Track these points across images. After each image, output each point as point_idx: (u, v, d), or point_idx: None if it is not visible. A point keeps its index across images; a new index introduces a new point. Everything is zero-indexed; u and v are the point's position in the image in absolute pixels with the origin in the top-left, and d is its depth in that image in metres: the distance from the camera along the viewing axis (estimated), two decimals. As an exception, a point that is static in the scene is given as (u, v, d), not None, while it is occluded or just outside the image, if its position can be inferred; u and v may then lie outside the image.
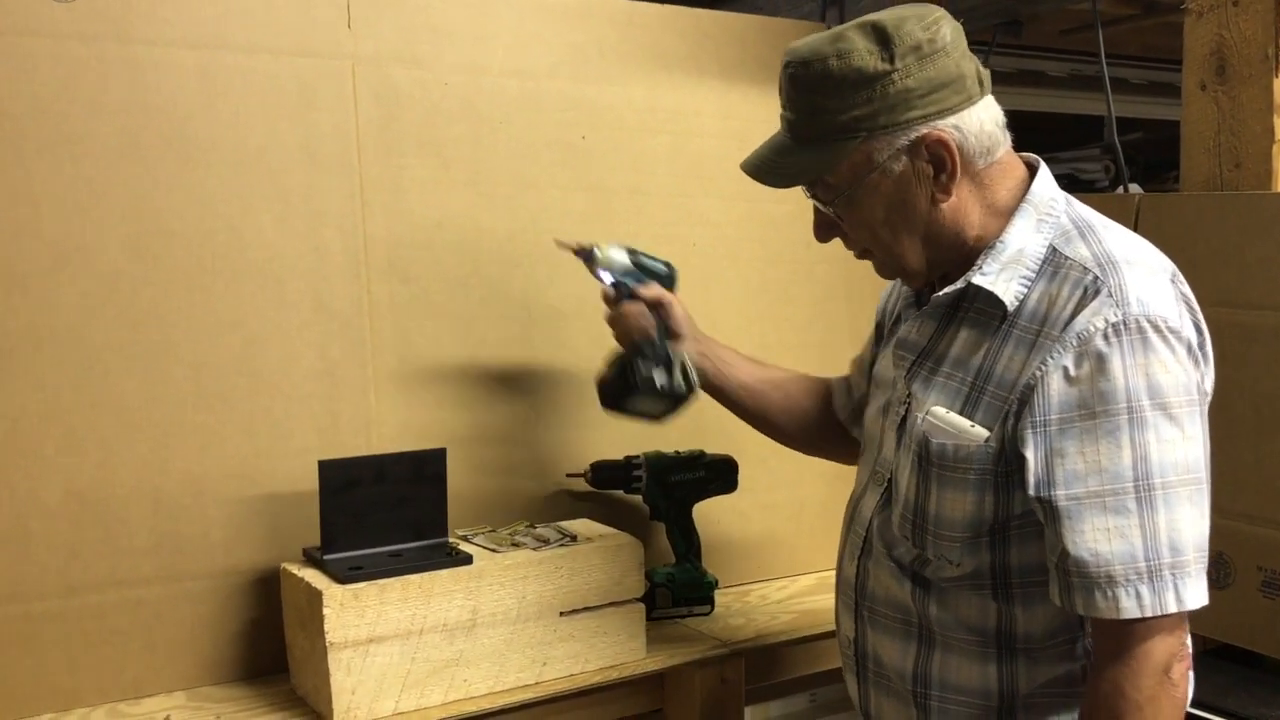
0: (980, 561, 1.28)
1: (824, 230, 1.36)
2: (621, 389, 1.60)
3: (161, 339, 1.59)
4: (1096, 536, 1.16)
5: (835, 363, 1.95)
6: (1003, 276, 1.25)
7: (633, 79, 1.94)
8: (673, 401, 1.61)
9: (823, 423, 1.68)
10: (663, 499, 1.82)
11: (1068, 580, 1.18)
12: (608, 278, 1.62)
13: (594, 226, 1.91)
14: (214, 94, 1.61)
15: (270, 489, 1.66)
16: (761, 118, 2.04)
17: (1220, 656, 1.83)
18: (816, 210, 1.34)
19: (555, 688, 1.62)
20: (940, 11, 1.24)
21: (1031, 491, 1.19)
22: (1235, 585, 1.76)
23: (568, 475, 1.84)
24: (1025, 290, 1.24)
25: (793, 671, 1.86)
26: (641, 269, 1.64)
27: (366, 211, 1.72)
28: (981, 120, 1.24)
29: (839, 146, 1.24)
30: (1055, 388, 1.18)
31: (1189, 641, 1.22)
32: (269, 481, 1.66)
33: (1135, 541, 1.15)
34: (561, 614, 1.63)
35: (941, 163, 1.23)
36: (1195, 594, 1.16)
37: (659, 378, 1.58)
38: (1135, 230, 1.85)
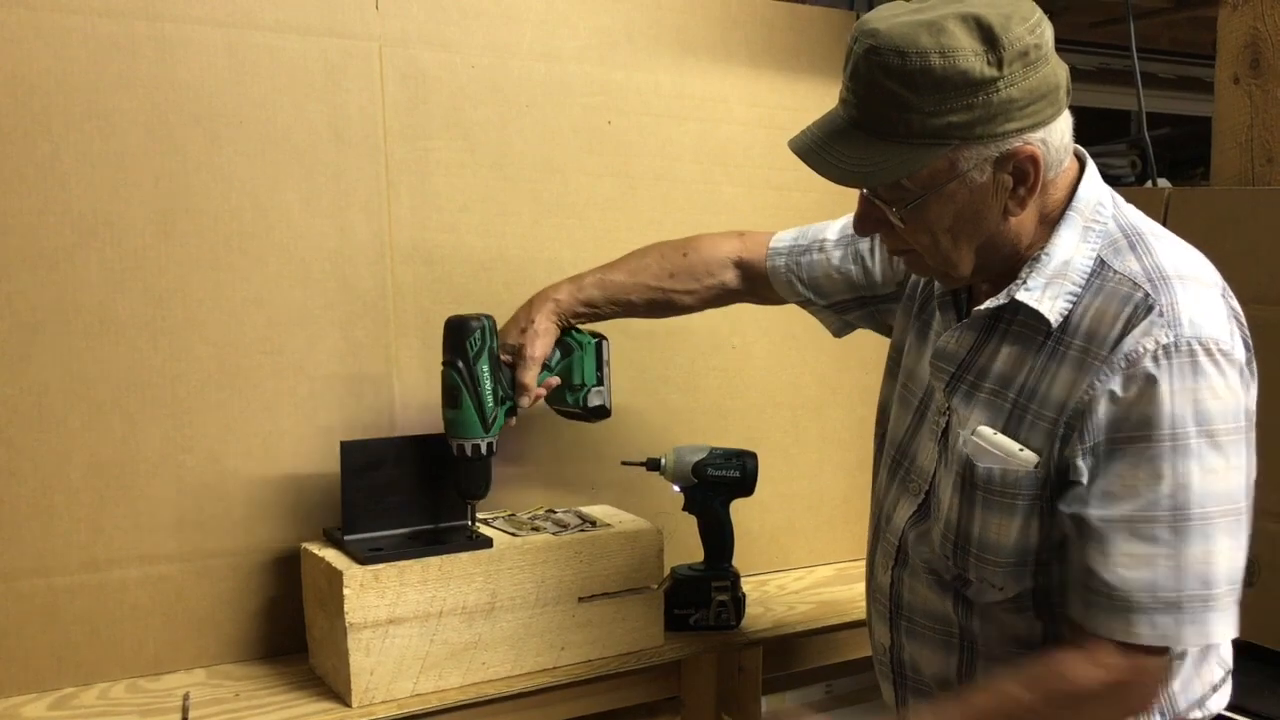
0: (1024, 587, 1.24)
1: (870, 224, 1.24)
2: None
3: (186, 316, 1.59)
4: (1123, 561, 1.12)
5: (857, 351, 1.94)
6: (1048, 293, 1.19)
7: (660, 64, 1.93)
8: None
9: (732, 298, 1.67)
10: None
11: (1088, 598, 1.15)
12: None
13: (619, 212, 1.91)
14: (241, 72, 1.61)
15: (292, 468, 1.67)
16: (789, 105, 2.03)
17: (1248, 657, 1.81)
18: (866, 202, 1.23)
19: (573, 673, 1.62)
20: (1039, 10, 1.15)
21: (1064, 506, 1.17)
22: (1262, 584, 1.75)
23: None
24: (1071, 306, 1.19)
25: (810, 662, 1.86)
26: (709, 481, 1.77)
27: (392, 193, 1.72)
28: (1063, 131, 1.18)
29: (924, 151, 1.13)
30: (1102, 410, 1.14)
31: (1170, 669, 1.20)
32: (291, 461, 1.67)
33: (1161, 571, 1.11)
34: (580, 599, 1.63)
35: (1025, 177, 1.16)
36: (1221, 629, 1.13)
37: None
38: (1164, 225, 1.85)
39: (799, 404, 2.10)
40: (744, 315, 2.02)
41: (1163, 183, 2.25)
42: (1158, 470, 1.11)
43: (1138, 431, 1.12)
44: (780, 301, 1.64)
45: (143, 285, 1.56)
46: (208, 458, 1.62)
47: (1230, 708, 1.66)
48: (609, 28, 1.89)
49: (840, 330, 1.62)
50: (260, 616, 1.67)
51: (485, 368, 1.55)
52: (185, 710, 1.49)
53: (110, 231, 1.54)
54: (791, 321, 1.78)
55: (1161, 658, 1.15)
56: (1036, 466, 1.19)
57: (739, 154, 2.00)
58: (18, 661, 1.52)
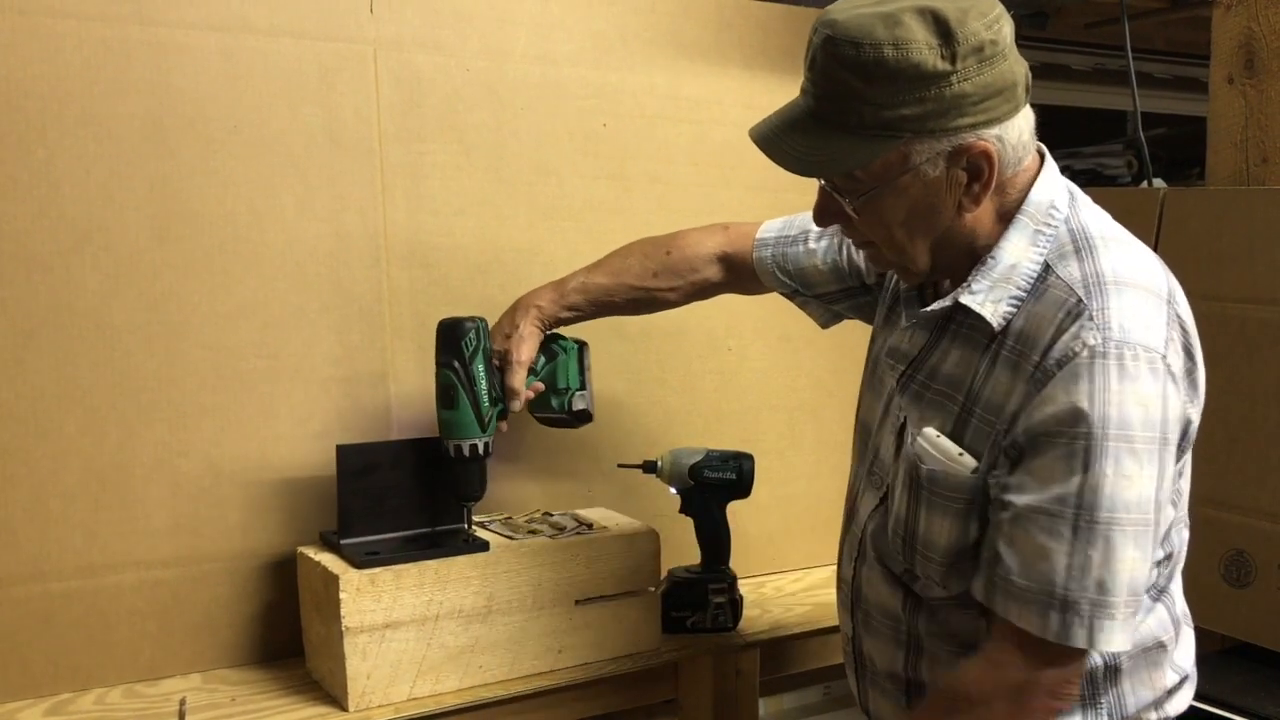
0: (966, 586, 1.24)
1: (828, 216, 1.25)
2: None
3: (181, 321, 1.59)
4: (1027, 550, 1.13)
5: (853, 353, 1.94)
6: (991, 296, 1.20)
7: (655, 67, 1.94)
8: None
9: (715, 291, 1.67)
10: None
11: (990, 576, 1.16)
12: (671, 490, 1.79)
13: (614, 215, 1.91)
14: (236, 77, 1.61)
15: (288, 472, 1.67)
16: (784, 107, 2.03)
17: (1240, 655, 1.82)
18: (824, 193, 1.24)
19: (570, 676, 1.62)
20: (1000, 7, 1.15)
21: (991, 490, 1.18)
22: (1256, 584, 1.75)
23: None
24: (1014, 311, 1.19)
25: (807, 664, 1.86)
26: (706, 483, 1.76)
27: (387, 197, 1.72)
28: (1021, 129, 1.17)
29: (877, 143, 1.13)
30: (1031, 409, 1.14)
31: (1072, 683, 1.18)
32: (287, 465, 1.67)
33: (1059, 568, 1.11)
34: (577, 602, 1.63)
35: (979, 173, 1.16)
36: (1111, 638, 1.12)
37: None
38: (1159, 226, 1.85)
39: (795, 406, 2.10)
40: (740, 317, 2.03)
41: (1158, 183, 2.26)
42: (1072, 467, 1.11)
43: (1059, 428, 1.12)
44: (764, 291, 1.64)
45: (138, 290, 1.56)
46: (203, 462, 1.61)
47: (1223, 705, 1.67)
48: (603, 31, 1.89)
49: (827, 321, 1.62)
50: (257, 621, 1.67)
51: (481, 368, 1.56)
52: (182, 714, 1.49)
53: (105, 236, 1.54)
54: (787, 324, 1.78)
55: (1062, 659, 1.14)
56: (975, 471, 1.20)
57: (734, 156, 2.00)
58: (14, 667, 1.52)
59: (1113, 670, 1.24)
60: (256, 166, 1.63)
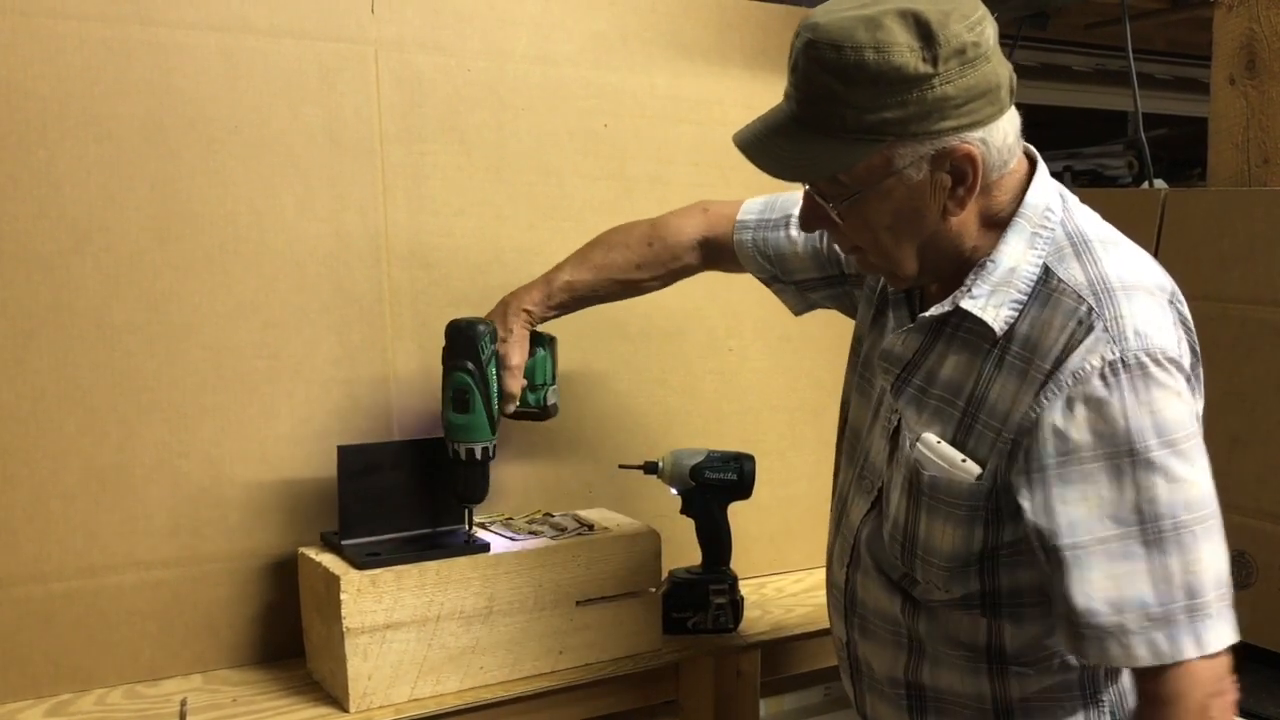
0: (969, 589, 1.23)
1: (814, 221, 1.24)
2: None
3: (182, 321, 1.59)
4: (1105, 585, 1.09)
5: (845, 351, 1.94)
6: (992, 301, 1.18)
7: (656, 67, 1.94)
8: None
9: (694, 273, 1.67)
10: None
11: (1078, 631, 1.11)
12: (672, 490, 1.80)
13: (615, 215, 1.90)
14: (237, 77, 1.61)
15: (289, 473, 1.67)
16: (784, 108, 2.03)
17: (1248, 657, 1.81)
18: (809, 198, 1.23)
19: (571, 677, 1.62)
20: (983, 9, 1.14)
21: (1035, 539, 1.14)
22: (1257, 585, 1.75)
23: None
24: (1016, 315, 1.18)
25: (808, 665, 1.86)
26: (707, 484, 1.77)
27: (388, 197, 1.72)
28: (1006, 132, 1.16)
29: (859, 147, 1.13)
30: (1051, 431, 1.12)
31: (1228, 674, 1.15)
32: (288, 465, 1.67)
33: (1145, 588, 1.08)
34: (578, 603, 1.63)
35: (963, 176, 1.14)
36: (1217, 636, 1.09)
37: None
38: (1160, 227, 1.85)
39: (795, 406, 2.10)
40: (740, 318, 2.03)
41: (1159, 184, 2.26)
42: (1122, 488, 1.09)
43: (1096, 451, 1.10)
44: (742, 271, 1.63)
45: (138, 290, 1.56)
46: (204, 462, 1.61)
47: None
48: (604, 31, 1.89)
49: (802, 309, 1.61)
50: (257, 621, 1.67)
51: (493, 370, 1.56)
52: (183, 715, 1.49)
53: (105, 236, 1.54)
54: (787, 324, 1.77)
55: (1207, 660, 1.11)
56: (979, 478, 1.19)
57: (734, 157, 1.96)
58: (15, 668, 1.52)
59: (1113, 668, 1.24)
60: (257, 167, 1.63)
